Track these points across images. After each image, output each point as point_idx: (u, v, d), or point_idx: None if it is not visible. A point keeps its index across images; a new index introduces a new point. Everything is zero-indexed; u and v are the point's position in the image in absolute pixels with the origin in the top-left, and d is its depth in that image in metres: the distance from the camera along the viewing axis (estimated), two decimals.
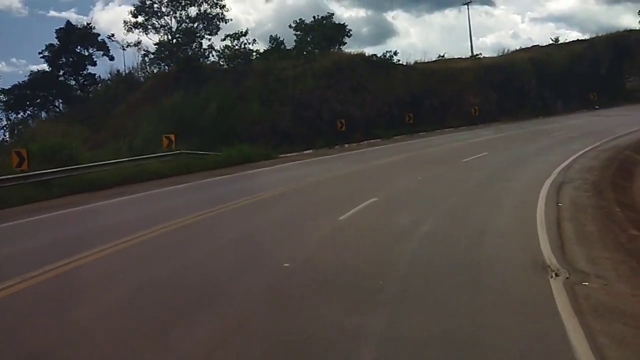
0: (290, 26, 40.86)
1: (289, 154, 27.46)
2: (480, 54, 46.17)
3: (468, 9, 54.25)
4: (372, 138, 32.62)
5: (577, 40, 48.84)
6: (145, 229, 10.36)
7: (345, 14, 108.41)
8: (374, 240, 9.27)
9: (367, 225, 10.48)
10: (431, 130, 35.94)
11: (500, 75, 42.04)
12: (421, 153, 23.83)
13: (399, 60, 38.62)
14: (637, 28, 50.07)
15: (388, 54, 38.33)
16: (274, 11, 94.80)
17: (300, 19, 40.86)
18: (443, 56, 46.12)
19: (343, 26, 40.99)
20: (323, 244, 9.11)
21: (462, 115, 39.03)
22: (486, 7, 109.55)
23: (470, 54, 49.34)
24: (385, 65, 37.63)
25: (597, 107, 44.59)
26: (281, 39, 39.86)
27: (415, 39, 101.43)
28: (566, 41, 48.73)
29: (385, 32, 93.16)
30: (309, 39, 40.63)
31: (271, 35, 46.13)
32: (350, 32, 41.43)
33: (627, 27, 50.63)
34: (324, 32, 40.09)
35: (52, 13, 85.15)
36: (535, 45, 49.08)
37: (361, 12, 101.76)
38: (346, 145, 30.64)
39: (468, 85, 40.28)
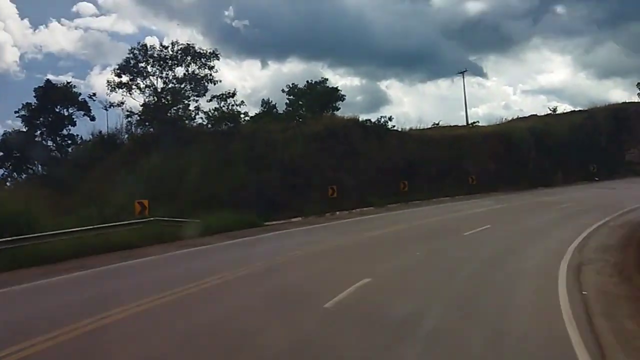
0: (283, 90, 40.15)
1: (275, 222, 25.80)
2: (478, 122, 45.58)
3: (463, 77, 54.24)
4: (365, 206, 31.10)
5: (576, 110, 48.48)
6: (68, 325, 8.31)
7: (339, 82, 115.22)
8: (367, 340, 7.49)
9: (358, 316, 8.74)
10: (427, 199, 34.56)
11: (498, 144, 41.14)
12: (418, 224, 22.25)
13: (393, 126, 37.72)
14: (636, 100, 49.82)
15: (382, 120, 37.44)
16: (269, 78, 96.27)
17: (293, 84, 40.21)
18: (438, 124, 45.47)
19: (336, 90, 40.31)
20: (300, 349, 7.30)
21: (459, 185, 37.76)
22: (478, 79, 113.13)
23: (465, 123, 48.85)
24: (379, 130, 36.63)
25: (597, 178, 43.67)
26: (273, 102, 39.07)
27: (409, 108, 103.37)
28: (565, 111, 48.36)
29: (379, 100, 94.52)
30: (300, 102, 39.86)
31: (263, 99, 45.59)
32: (344, 97, 40.77)
33: (618, 101, 50.44)
34: (317, 95, 39.35)
35: (50, 76, 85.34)
36: (533, 115, 48.69)
37: (355, 81, 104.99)
38: (337, 213, 29.05)
39: (465, 153, 39.22)
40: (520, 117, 48.41)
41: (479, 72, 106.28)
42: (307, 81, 40.46)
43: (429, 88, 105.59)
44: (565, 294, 9.80)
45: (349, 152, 33.47)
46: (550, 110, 48.98)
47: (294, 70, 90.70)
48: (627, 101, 48.98)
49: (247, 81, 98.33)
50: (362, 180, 32.65)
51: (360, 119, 37.47)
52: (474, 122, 44.91)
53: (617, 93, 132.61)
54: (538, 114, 48.76)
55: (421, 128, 41.18)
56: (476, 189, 38.09)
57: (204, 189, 26.59)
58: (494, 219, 22.19)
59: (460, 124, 46.47)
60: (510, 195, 35.77)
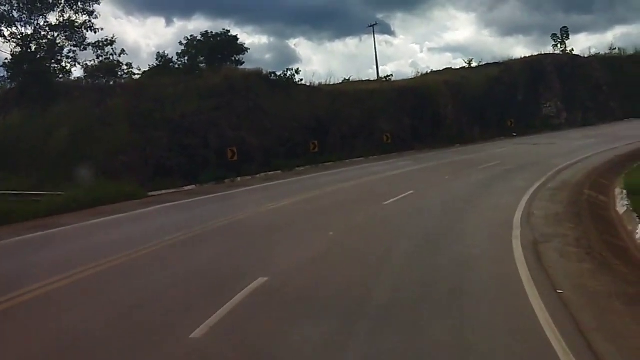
0: (180, 43, 35.41)
1: (162, 191, 22.07)
2: (392, 75, 42.72)
3: (374, 31, 51.96)
4: (271, 170, 27.84)
5: (492, 63, 46.89)
6: None
7: (247, 40, 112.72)
8: None
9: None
10: (339, 160, 31.79)
11: (413, 100, 38.83)
12: (330, 191, 19.32)
13: (301, 80, 34.29)
14: (551, 52, 49.03)
15: (289, 73, 33.86)
16: (174, 36, 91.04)
17: (192, 36, 35.50)
18: (349, 79, 42.34)
19: (235, 38, 36.09)
20: None
21: (373, 144, 35.25)
22: (386, 37, 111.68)
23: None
24: (286, 85, 33.13)
25: (514, 134, 42.60)
26: (170, 56, 34.42)
27: (318, 66, 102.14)
28: (480, 64, 46.65)
29: (288, 59, 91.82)
30: (201, 56, 35.45)
31: (158, 52, 40.60)
32: (248, 49, 36.67)
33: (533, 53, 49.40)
34: (216, 47, 35.20)
35: None
36: (448, 68, 46.78)
37: (264, 39, 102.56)
38: (238, 179, 25.66)
39: (379, 110, 36.63)
40: (435, 71, 46.38)
41: (387, 30, 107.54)
42: (207, 31, 36.09)
43: (338, 46, 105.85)
44: (536, 293, 7.17)
45: (252, 108, 29.87)
46: (466, 62, 47.30)
47: (201, 28, 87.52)
48: (543, 52, 48.17)
49: (152, 39, 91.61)
50: (267, 141, 29.27)
51: (264, 72, 33.83)
52: (389, 75, 42.32)
53: (519, 50, 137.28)
54: (454, 67, 47.06)
55: (332, 83, 37.93)
56: (392, 147, 35.73)
57: (74, 153, 22.23)
58: (416, 183, 19.65)
59: (373, 79, 43.86)
60: (428, 153, 33.68)
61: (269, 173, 27.32)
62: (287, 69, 34.54)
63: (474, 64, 46.78)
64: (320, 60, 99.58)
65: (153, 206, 18.28)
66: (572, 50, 50.74)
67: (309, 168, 29.03)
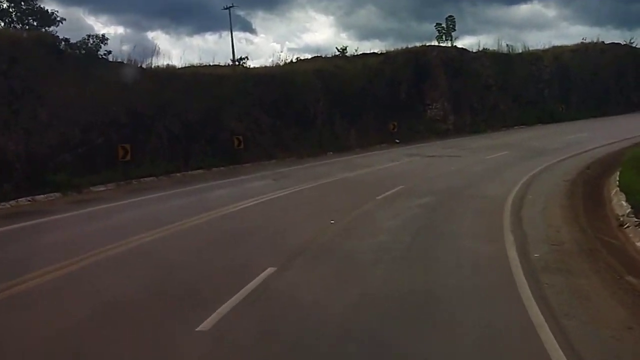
0: None
1: None
2: (247, 57, 32.69)
3: (230, 16, 43.17)
4: (45, 192, 17.26)
5: (372, 53, 38.91)
6: None
7: (102, 30, 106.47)
8: None
9: None
10: (166, 172, 21.91)
11: (275, 92, 29.65)
12: (118, 253, 9.52)
13: (109, 53, 23.65)
14: (436, 44, 42.15)
15: (92, 42, 23.07)
16: None
17: None
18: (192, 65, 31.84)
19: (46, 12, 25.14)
20: None
21: (220, 150, 25.66)
22: (247, 34, 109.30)
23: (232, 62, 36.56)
24: (85, 60, 22.43)
25: (397, 140, 34.94)
26: None
27: (176, 61, 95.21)
28: (357, 52, 38.42)
29: (148, 51, 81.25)
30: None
31: None
32: (62, 20, 25.69)
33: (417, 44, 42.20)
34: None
35: None
36: (318, 57, 37.91)
37: (120, 30, 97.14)
38: None
39: (228, 103, 27.00)
40: (303, 59, 37.52)
41: (248, 28, 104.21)
42: None
43: (197, 41, 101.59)
44: None
45: (18, 92, 18.94)
46: (339, 50, 38.80)
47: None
48: (428, 44, 41.09)
49: None
50: (38, 145, 18.51)
51: (53, 36, 22.81)
52: (242, 58, 32.25)
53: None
54: (326, 55, 38.38)
55: (163, 66, 27.25)
56: (245, 156, 26.36)
57: None
58: (275, 247, 10.50)
59: (224, 64, 34.02)
60: (296, 167, 24.74)
61: (38, 198, 16.73)
62: (89, 36, 23.59)
63: (348, 53, 38.39)
64: (179, 55, 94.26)
65: None
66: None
67: (111, 191, 18.71)
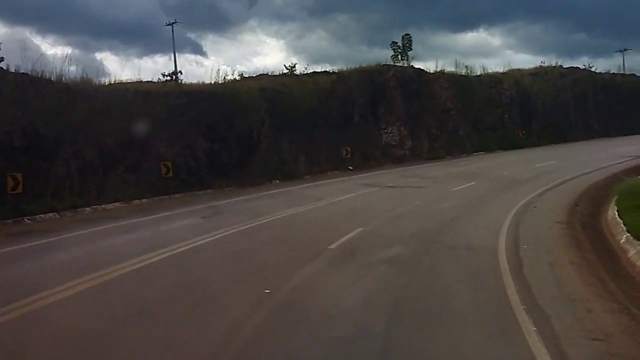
0: None
1: None
2: (180, 72, 28.52)
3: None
4: None
5: (323, 71, 35.57)
6: None
7: (49, 50, 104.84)
8: None
9: None
10: (70, 209, 17.92)
11: (213, 112, 25.92)
12: None
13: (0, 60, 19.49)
14: (392, 64, 39.14)
15: None
16: None
17: None
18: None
19: None
20: None
21: (143, 178, 21.81)
22: (197, 57, 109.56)
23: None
24: None
25: (351, 167, 31.72)
26: None
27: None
28: (307, 72, 35.01)
29: (94, 72, 78.52)
30: None
31: None
32: None
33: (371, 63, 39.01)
34: None
35: None
36: (264, 75, 34.35)
37: (67, 51, 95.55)
38: None
39: (157, 124, 23.12)
40: (247, 77, 33.90)
41: (199, 50, 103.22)
42: None
43: (146, 63, 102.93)
44: None
45: None
46: (287, 68, 35.40)
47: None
48: (385, 63, 38.06)
49: None
50: None
51: None
52: (174, 72, 28.06)
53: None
54: (273, 73, 34.84)
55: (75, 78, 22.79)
56: (175, 185, 22.64)
57: None
58: (173, 338, 6.71)
59: (157, 80, 30.08)
60: (234, 199, 21.12)
61: None
62: None
63: (298, 71, 34.99)
64: (129, 76, 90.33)
65: None
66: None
67: None
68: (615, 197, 16.60)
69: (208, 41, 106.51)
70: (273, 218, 15.97)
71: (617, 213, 14.49)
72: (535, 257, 10.67)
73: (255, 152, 27.69)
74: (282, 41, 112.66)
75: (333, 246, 11.60)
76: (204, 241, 12.70)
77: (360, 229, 13.46)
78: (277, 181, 26.88)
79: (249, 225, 14.80)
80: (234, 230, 14.11)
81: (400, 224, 14.49)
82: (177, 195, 22.12)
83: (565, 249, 11.45)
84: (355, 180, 25.90)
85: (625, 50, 64.05)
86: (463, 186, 22.07)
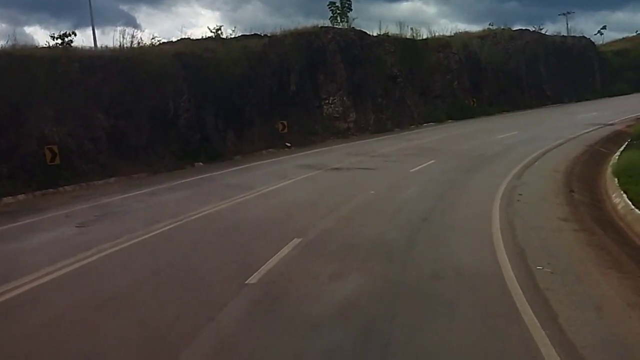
0: None
1: None
2: (74, 34, 22.79)
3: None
4: None
5: (254, 34, 30.86)
6: None
7: None
8: None
9: None
10: None
11: (118, 83, 21.12)
12: None
13: None
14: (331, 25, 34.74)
15: None
16: None
17: None
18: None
19: None
20: None
21: (21, 167, 17.05)
22: (131, 29, 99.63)
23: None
24: None
25: (288, 144, 27.56)
26: None
27: None
28: (234, 35, 30.24)
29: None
30: None
31: None
32: None
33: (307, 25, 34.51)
34: None
35: None
36: (185, 38, 29.46)
37: None
38: None
39: (39, 98, 18.21)
40: (164, 42, 28.89)
41: (132, 22, 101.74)
42: None
43: (78, 38, 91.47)
44: None
45: None
46: (212, 31, 30.51)
47: None
48: (323, 25, 33.66)
49: None
50: None
51: None
52: (65, 35, 22.56)
53: None
54: (193, 37, 30.02)
55: None
56: (64, 175, 17.93)
57: None
58: None
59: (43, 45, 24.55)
60: (139, 191, 16.63)
61: None
62: None
63: (224, 34, 30.15)
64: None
65: None
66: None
67: None
68: (617, 180, 13.27)
69: (142, 13, 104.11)
70: (181, 221, 11.66)
71: (630, 202, 11.18)
72: (565, 291, 6.89)
73: (172, 129, 23.07)
74: (217, 12, 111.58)
75: (252, 281, 7.48)
76: (66, 270, 8.33)
77: (296, 241, 9.43)
78: (201, 164, 22.53)
79: (144, 237, 10.45)
80: (119, 247, 9.80)
81: (352, 229, 10.47)
82: (67, 188, 17.45)
83: (601, 270, 7.72)
84: (294, 161, 21.79)
85: (568, 13, 62.11)
86: (422, 166, 18.30)
